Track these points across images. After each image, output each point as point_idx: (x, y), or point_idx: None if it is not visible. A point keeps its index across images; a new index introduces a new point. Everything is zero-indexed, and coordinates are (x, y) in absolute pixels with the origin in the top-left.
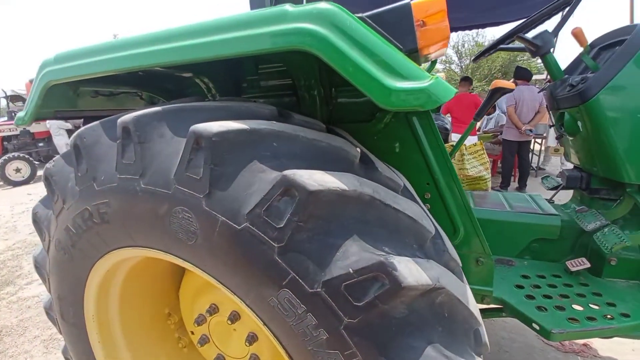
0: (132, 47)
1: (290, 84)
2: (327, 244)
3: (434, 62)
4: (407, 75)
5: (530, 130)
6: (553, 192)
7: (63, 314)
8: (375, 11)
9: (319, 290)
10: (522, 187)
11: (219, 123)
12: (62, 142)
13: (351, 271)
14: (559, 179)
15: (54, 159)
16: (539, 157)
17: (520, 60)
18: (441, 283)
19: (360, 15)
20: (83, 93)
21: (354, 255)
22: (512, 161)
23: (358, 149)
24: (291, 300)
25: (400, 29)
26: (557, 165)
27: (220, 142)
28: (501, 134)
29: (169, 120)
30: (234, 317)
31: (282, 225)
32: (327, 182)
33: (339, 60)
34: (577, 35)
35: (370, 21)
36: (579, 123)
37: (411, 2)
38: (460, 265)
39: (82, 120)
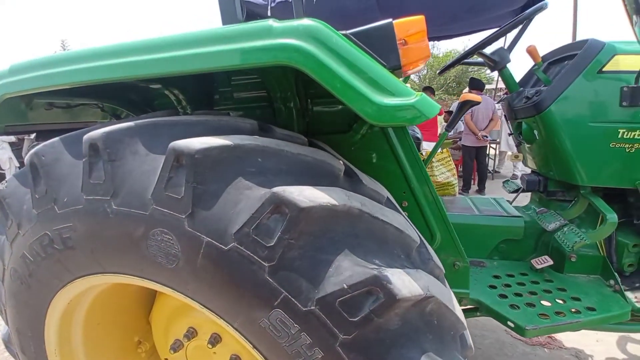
0: (103, 58)
1: (265, 96)
2: (320, 260)
3: (407, 77)
4: (394, 91)
5: (486, 136)
6: (514, 195)
7: (23, 348)
8: (359, 29)
9: (313, 308)
10: (481, 189)
11: (201, 139)
12: (4, 156)
13: (345, 287)
14: (519, 182)
15: (6, 179)
16: (495, 161)
17: (472, 72)
18: (431, 292)
19: (344, 32)
20: (36, 105)
21: (347, 270)
22: (472, 165)
23: (341, 162)
24: (284, 321)
25: (384, 47)
26: (510, 168)
27: (202, 160)
28: (460, 140)
29: (142, 136)
30: (215, 340)
31: (272, 244)
32: (318, 198)
33: (326, 76)
34: (532, 52)
35: (354, 39)
36: (535, 132)
37: (393, 22)
38: (444, 271)
39: (33, 133)
